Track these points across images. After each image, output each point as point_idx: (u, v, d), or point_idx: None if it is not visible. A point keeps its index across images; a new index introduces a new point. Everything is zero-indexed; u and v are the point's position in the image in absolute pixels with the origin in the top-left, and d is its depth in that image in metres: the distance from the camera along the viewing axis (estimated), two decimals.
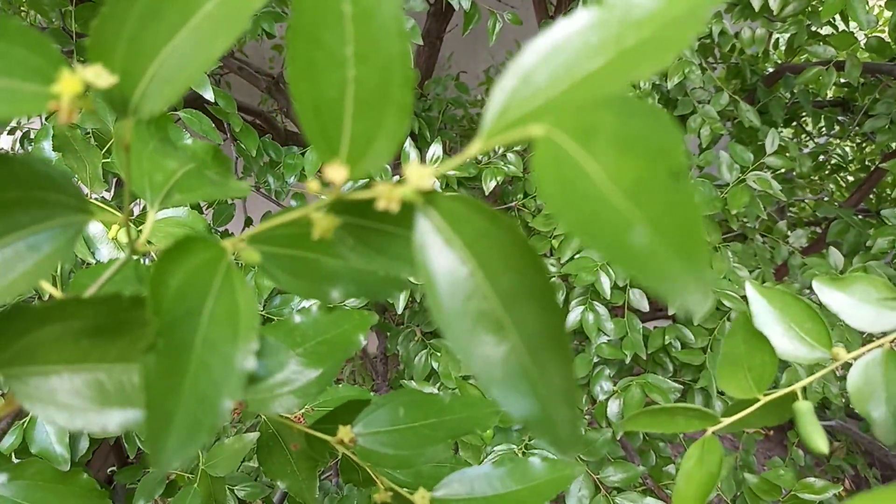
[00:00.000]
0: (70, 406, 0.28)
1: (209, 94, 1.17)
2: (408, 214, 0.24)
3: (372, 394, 0.75)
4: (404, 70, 0.23)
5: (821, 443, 0.48)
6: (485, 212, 0.23)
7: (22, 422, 0.93)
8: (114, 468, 1.51)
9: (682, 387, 1.50)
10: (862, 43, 1.61)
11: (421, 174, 0.23)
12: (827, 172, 2.28)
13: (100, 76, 0.24)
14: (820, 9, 1.33)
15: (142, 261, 0.57)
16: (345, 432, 0.50)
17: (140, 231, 0.41)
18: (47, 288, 0.37)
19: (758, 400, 0.52)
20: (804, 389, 0.52)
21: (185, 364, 0.25)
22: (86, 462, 1.01)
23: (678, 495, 0.51)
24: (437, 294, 0.23)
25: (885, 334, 0.51)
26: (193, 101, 1.27)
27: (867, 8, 1.24)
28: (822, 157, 2.17)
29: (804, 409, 0.50)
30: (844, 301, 0.52)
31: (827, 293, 0.52)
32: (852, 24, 1.49)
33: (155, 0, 0.25)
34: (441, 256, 0.23)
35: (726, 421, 0.53)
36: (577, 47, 0.21)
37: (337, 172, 0.24)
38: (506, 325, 0.23)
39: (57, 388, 0.28)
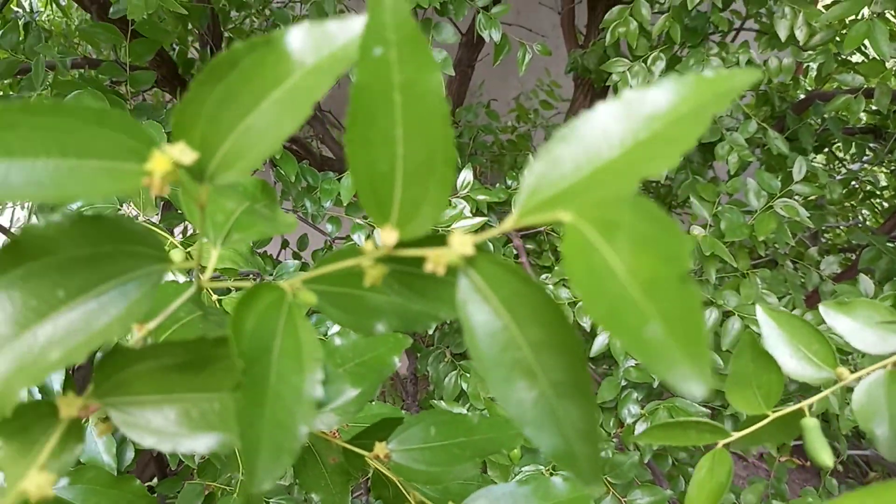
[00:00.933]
0: (162, 431, 0.33)
1: None
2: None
3: (403, 412, 0.78)
4: (446, 150, 0.27)
5: (826, 457, 0.50)
6: (518, 274, 0.26)
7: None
8: (151, 482, 1.55)
9: (709, 411, 1.50)
10: (894, 71, 1.62)
11: (463, 242, 0.26)
12: (860, 198, 2.27)
13: (184, 154, 0.28)
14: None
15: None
16: (380, 448, 0.54)
17: (189, 260, 0.45)
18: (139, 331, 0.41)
19: (767, 416, 0.55)
20: (810, 406, 0.55)
21: (264, 396, 0.29)
22: (126, 472, 1.06)
23: (690, 503, 0.54)
24: (478, 345, 0.26)
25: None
26: None
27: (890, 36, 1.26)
28: (854, 184, 2.17)
29: (811, 425, 0.53)
30: (849, 325, 0.55)
31: (833, 317, 0.56)
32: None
33: (232, 86, 0.29)
34: (480, 312, 0.27)
35: (736, 435, 0.56)
36: (598, 136, 0.25)
37: (389, 236, 0.28)
38: (536, 373, 0.26)
39: (150, 416, 0.33)
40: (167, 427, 0.33)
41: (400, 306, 0.39)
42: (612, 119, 0.25)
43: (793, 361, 0.55)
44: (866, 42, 1.28)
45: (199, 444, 0.33)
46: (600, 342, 1.53)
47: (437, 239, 0.28)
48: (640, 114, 0.25)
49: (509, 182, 1.68)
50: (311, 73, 0.28)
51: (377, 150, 0.27)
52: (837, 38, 1.45)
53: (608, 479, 1.47)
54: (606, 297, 0.21)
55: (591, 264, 0.21)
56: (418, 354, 1.86)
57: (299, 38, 0.29)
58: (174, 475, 1.51)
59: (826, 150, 2.07)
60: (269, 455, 0.28)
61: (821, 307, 0.57)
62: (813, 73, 1.50)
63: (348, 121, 0.27)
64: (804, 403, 0.55)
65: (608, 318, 0.20)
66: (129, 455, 1.08)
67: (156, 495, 1.47)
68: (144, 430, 0.33)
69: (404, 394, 2.37)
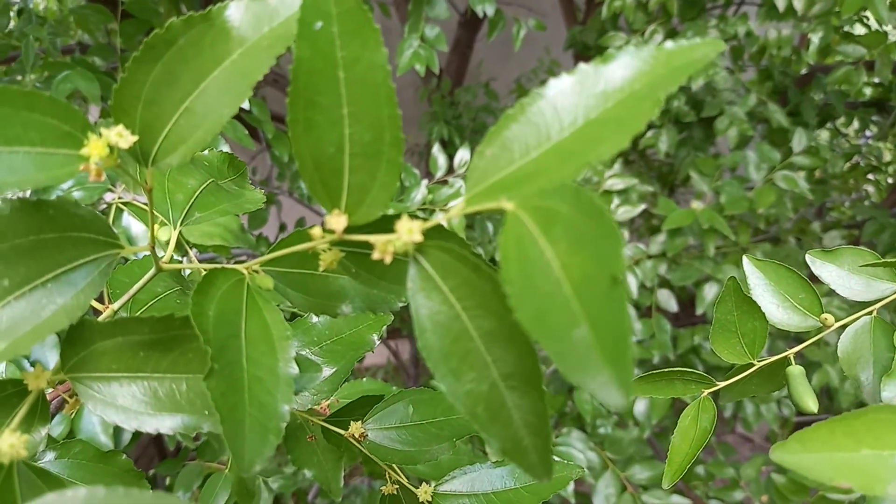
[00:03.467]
0: (127, 409, 0.32)
1: (244, 103, 1.20)
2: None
3: (393, 387, 0.78)
4: (394, 131, 0.26)
5: (811, 403, 0.50)
6: (468, 262, 0.25)
7: (70, 413, 0.99)
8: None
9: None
10: None
11: (411, 229, 0.25)
12: (864, 173, 2.24)
13: (122, 137, 0.27)
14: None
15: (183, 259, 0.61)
16: (355, 428, 0.53)
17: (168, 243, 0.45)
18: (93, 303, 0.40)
19: (752, 365, 0.55)
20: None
21: (241, 380, 0.29)
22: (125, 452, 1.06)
23: (674, 450, 0.53)
24: (427, 336, 0.25)
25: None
26: None
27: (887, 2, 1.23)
28: (857, 159, 2.14)
29: (796, 372, 0.52)
30: (836, 272, 0.54)
31: (819, 266, 0.55)
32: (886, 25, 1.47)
33: (170, 66, 0.27)
34: (430, 301, 0.26)
35: (722, 384, 0.55)
36: (550, 115, 0.23)
37: (337, 221, 0.27)
38: (487, 365, 0.25)
39: (116, 392, 0.33)
40: (133, 405, 0.32)
41: (360, 288, 0.38)
42: (564, 96, 0.24)
43: (779, 311, 0.54)
44: (868, 14, 1.25)
45: (165, 424, 0.33)
46: None
47: (391, 221, 0.27)
48: (593, 90, 0.23)
49: None
50: (251, 52, 0.27)
51: (322, 132, 0.26)
52: (837, 9, 1.41)
53: (608, 454, 1.46)
54: (538, 294, 0.19)
55: (527, 256, 0.20)
56: None
57: (238, 14, 0.27)
58: (174, 456, 1.52)
59: (829, 125, 2.04)
60: (255, 437, 0.28)
61: (807, 256, 0.56)
62: (814, 46, 1.46)
63: (289, 100, 0.26)
64: (790, 352, 0.54)
65: (537, 317, 0.19)
66: (127, 436, 1.08)
67: (155, 476, 1.48)
68: (110, 407, 0.32)
69: (406, 377, 2.37)
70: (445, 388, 0.25)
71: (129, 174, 0.28)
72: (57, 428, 0.95)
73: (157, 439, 1.65)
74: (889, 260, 0.52)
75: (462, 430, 0.54)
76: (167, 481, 1.47)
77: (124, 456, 0.60)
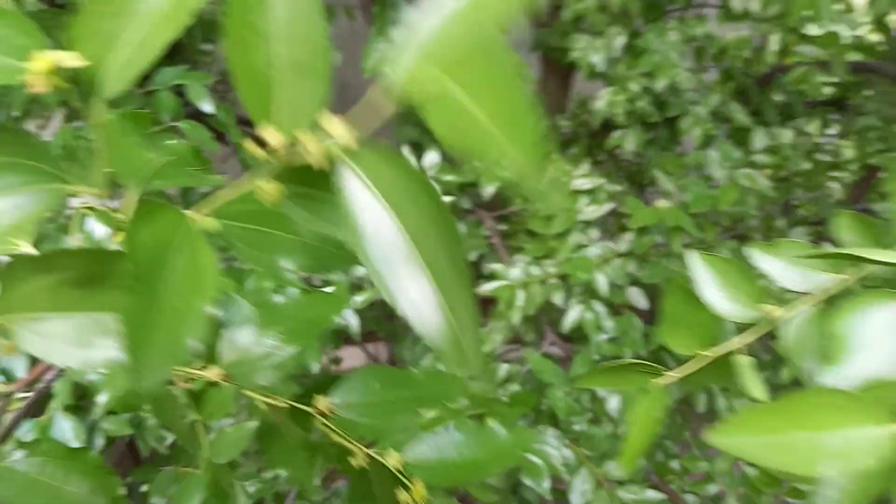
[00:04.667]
0: (61, 346, 0.33)
1: (208, 107, 1.21)
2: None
3: None
4: (322, 43, 0.27)
5: (758, 392, 0.51)
6: (398, 164, 0.27)
7: (39, 419, 0.99)
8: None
9: None
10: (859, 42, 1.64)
11: (342, 130, 0.27)
12: (825, 170, 2.28)
13: (70, 58, 0.28)
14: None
15: None
16: (323, 402, 0.54)
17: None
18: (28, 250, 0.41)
19: (703, 356, 0.56)
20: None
21: (157, 303, 0.29)
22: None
23: (627, 438, 0.54)
24: (365, 243, 0.26)
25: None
26: (194, 114, 1.30)
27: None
28: (819, 156, 2.18)
29: (742, 362, 0.54)
30: (776, 264, 0.55)
31: (759, 258, 0.56)
32: (839, 25, 1.52)
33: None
34: (365, 206, 0.27)
35: (672, 374, 0.56)
36: None
37: (272, 135, 0.28)
38: (424, 267, 0.26)
39: (50, 331, 0.33)
40: (67, 343, 0.33)
41: (308, 245, 0.39)
42: None
43: (724, 302, 0.55)
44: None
45: (97, 357, 0.34)
46: (572, 317, 1.53)
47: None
48: None
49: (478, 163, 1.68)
50: None
51: (253, 49, 0.27)
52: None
53: (583, 451, 1.47)
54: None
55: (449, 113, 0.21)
56: (396, 341, 1.87)
57: None
58: (149, 461, 1.51)
59: (792, 124, 2.09)
60: (159, 358, 0.28)
61: (746, 249, 0.57)
62: (773, 47, 1.51)
63: (223, 21, 0.27)
64: (738, 343, 0.55)
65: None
66: (100, 441, 1.08)
67: (130, 483, 1.47)
68: (43, 346, 0.33)
69: None
70: (389, 295, 0.25)
71: (77, 101, 0.30)
72: (28, 435, 0.95)
73: (132, 446, 1.64)
74: (824, 252, 0.53)
75: (427, 402, 0.56)
76: (143, 487, 1.46)
77: (93, 453, 0.61)
